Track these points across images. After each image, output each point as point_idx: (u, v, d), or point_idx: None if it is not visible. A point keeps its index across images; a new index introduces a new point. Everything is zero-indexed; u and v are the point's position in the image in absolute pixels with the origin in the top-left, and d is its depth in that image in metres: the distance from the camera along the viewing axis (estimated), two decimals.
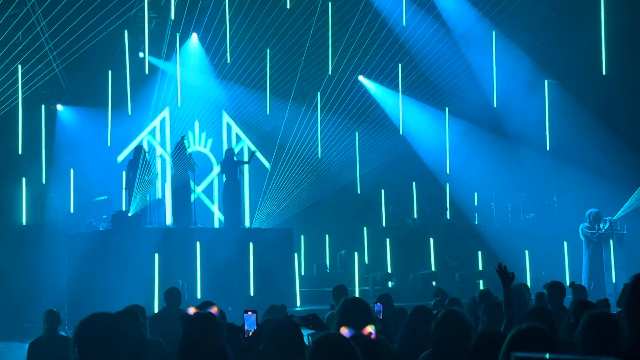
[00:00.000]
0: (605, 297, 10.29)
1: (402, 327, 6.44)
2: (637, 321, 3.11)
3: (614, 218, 17.51)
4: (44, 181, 18.67)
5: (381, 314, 6.75)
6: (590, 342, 4.73)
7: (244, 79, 19.00)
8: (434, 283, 17.61)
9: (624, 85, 19.02)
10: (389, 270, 19.01)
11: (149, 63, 18.54)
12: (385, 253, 19.37)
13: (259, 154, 19.18)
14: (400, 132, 20.75)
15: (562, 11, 19.21)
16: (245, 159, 18.93)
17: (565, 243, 18.66)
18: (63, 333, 8.52)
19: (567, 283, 17.56)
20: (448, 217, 20.88)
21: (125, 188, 17.16)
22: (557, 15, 19.34)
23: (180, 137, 17.69)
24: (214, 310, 5.04)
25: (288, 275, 16.83)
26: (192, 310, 5.26)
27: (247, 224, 18.59)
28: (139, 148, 17.34)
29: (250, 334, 5.17)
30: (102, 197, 18.44)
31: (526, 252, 18.66)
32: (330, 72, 19.05)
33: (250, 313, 5.22)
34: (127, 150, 18.79)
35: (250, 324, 5.22)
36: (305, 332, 5.39)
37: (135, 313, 7.21)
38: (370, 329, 4.84)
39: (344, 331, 4.72)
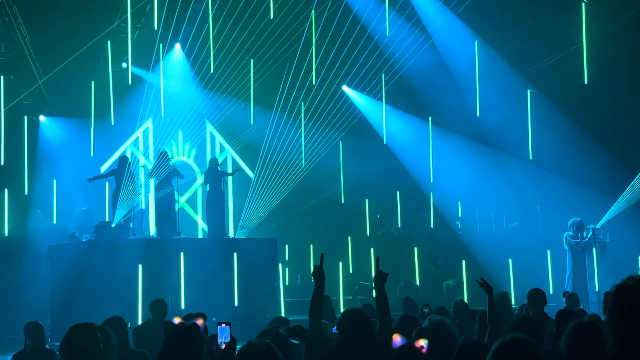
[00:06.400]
0: (581, 307, 10.30)
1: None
2: (620, 330, 3.13)
3: (597, 226, 17.57)
4: (26, 192, 18.57)
5: None
6: (575, 351, 4.76)
7: (228, 89, 18.97)
8: (418, 293, 17.60)
9: (605, 95, 19.12)
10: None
11: (132, 73, 18.49)
12: (369, 262, 19.36)
13: (243, 166, 19.15)
14: (384, 142, 20.79)
15: (543, 21, 19.30)
16: (229, 170, 18.90)
17: (548, 251, 18.73)
18: (47, 346, 8.36)
19: (551, 291, 17.73)
20: (432, 226, 20.92)
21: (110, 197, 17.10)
22: (538, 25, 19.44)
23: (160, 152, 17.60)
24: (199, 322, 4.99)
25: (272, 285, 16.79)
26: (177, 320, 5.23)
27: (231, 234, 18.54)
28: (123, 158, 17.27)
29: (224, 346, 5.12)
30: (84, 208, 18.39)
31: (510, 260, 18.71)
32: (314, 82, 19.06)
33: (224, 325, 5.17)
34: (110, 160, 18.72)
35: (224, 336, 5.18)
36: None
37: (117, 325, 7.13)
38: (422, 342, 4.67)
39: (397, 339, 4.60)
